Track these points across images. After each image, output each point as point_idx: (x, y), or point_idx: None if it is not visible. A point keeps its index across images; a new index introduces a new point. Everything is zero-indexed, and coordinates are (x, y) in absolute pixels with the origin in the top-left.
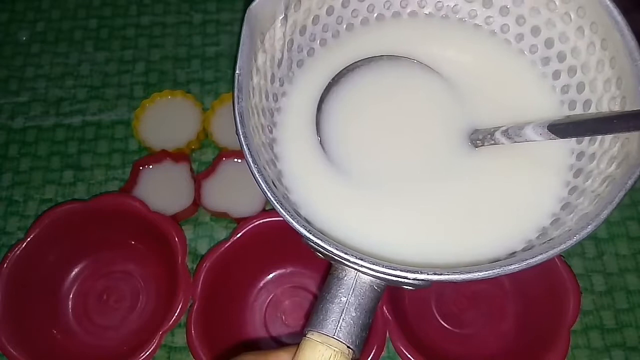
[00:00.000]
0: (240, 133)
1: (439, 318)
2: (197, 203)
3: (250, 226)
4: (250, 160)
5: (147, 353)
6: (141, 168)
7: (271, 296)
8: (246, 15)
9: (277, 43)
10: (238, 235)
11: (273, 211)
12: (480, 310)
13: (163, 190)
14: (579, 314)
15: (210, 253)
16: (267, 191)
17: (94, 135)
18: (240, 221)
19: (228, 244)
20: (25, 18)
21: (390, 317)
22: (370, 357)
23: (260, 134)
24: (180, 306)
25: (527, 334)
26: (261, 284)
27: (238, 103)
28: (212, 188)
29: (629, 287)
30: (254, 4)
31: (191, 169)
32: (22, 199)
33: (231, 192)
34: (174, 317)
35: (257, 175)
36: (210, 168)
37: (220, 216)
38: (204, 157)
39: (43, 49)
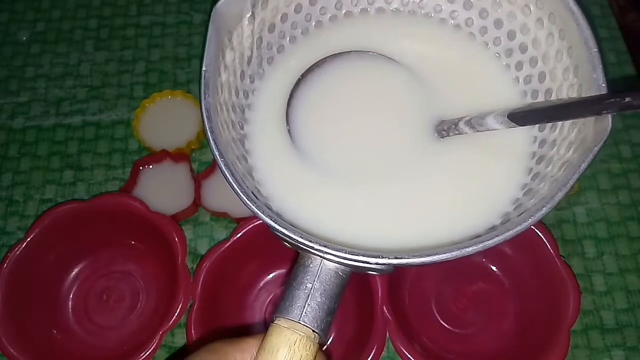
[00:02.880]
0: (207, 128)
1: (439, 318)
2: (197, 203)
3: (250, 226)
4: (216, 153)
5: (147, 353)
6: (141, 168)
7: (271, 296)
8: (212, 14)
9: (245, 41)
10: (238, 235)
11: None
12: (480, 310)
13: (163, 190)
14: (579, 314)
15: (210, 253)
16: (233, 183)
17: (94, 135)
18: (240, 221)
19: (228, 244)
20: (25, 18)
21: (390, 317)
22: (370, 357)
23: (230, 130)
24: (180, 306)
25: (527, 334)
26: (261, 284)
27: (204, 99)
28: (212, 188)
29: (629, 287)
30: (219, 3)
31: (191, 169)
32: (22, 199)
33: (231, 192)
34: (174, 317)
35: (224, 168)
36: (210, 168)
37: (220, 216)
38: (204, 157)
39: (43, 49)
